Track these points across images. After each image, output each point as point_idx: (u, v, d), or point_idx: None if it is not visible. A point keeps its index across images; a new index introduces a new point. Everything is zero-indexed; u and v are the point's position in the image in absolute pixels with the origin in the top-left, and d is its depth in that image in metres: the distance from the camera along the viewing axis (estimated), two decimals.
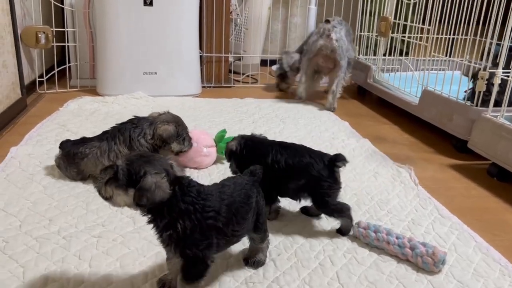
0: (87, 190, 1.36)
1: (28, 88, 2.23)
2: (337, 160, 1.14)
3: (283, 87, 2.73)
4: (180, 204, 0.83)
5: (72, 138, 1.60)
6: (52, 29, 2.33)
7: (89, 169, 1.41)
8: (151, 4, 2.27)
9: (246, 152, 1.18)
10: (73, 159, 1.40)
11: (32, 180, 1.40)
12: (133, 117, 1.46)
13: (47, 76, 2.40)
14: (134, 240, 1.11)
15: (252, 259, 1.04)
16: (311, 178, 1.14)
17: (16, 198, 1.29)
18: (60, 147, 1.44)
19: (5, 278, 0.95)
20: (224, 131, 1.60)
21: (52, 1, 2.31)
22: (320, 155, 1.17)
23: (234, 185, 0.93)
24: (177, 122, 1.45)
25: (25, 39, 2.15)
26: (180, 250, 0.85)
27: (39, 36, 2.20)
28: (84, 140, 1.45)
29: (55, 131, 1.84)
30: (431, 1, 2.11)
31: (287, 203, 1.32)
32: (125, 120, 1.46)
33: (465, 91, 1.89)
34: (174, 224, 0.84)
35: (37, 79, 2.39)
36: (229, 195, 0.91)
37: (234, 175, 1.16)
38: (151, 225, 0.86)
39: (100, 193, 0.85)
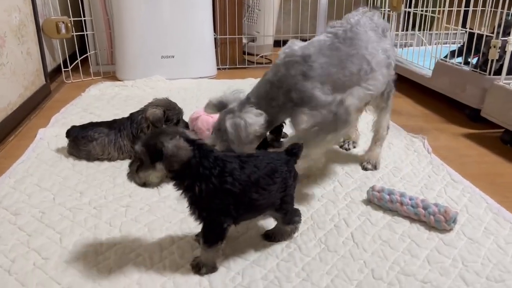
0: (112, 166, 1.44)
1: (51, 76, 2.32)
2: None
3: None
4: (198, 167, 0.88)
5: (95, 120, 1.68)
6: (70, 19, 2.40)
7: (96, 153, 1.45)
8: None
9: None
10: (81, 142, 1.45)
11: (61, 158, 1.49)
12: (130, 114, 1.49)
13: (72, 66, 2.48)
14: (159, 209, 1.19)
15: (272, 237, 1.06)
16: None
17: (48, 174, 1.37)
18: (66, 135, 1.48)
19: (44, 243, 1.04)
20: None
21: None
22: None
23: (262, 157, 0.96)
24: (168, 107, 1.46)
25: (46, 30, 2.23)
26: (198, 212, 0.91)
27: (59, 27, 2.27)
28: (92, 124, 1.49)
29: (79, 114, 1.93)
30: None
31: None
32: (145, 102, 1.51)
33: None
34: (193, 186, 0.89)
35: (63, 69, 2.46)
36: (252, 165, 0.93)
37: None
38: (179, 191, 0.91)
39: (136, 183, 0.90)
